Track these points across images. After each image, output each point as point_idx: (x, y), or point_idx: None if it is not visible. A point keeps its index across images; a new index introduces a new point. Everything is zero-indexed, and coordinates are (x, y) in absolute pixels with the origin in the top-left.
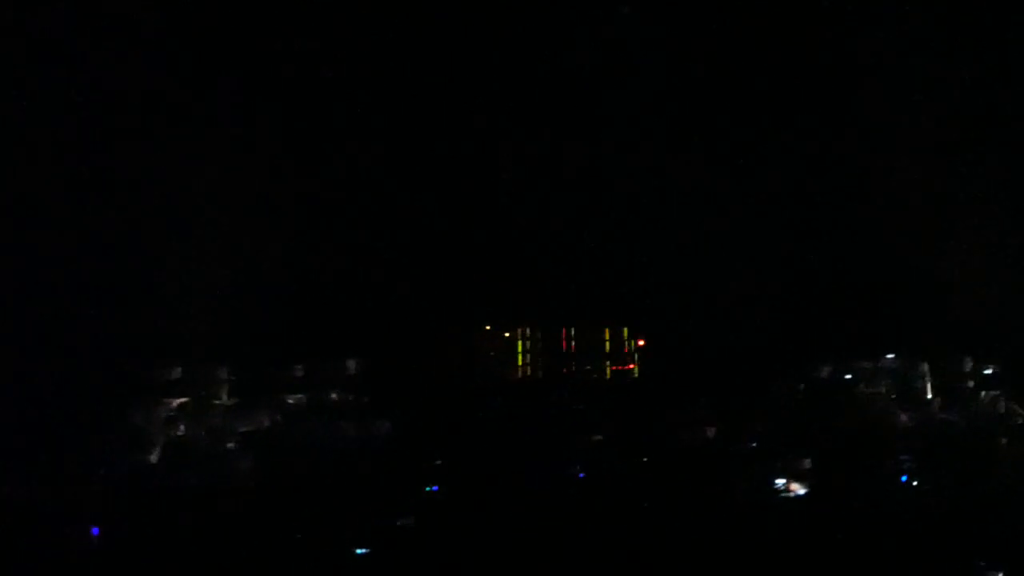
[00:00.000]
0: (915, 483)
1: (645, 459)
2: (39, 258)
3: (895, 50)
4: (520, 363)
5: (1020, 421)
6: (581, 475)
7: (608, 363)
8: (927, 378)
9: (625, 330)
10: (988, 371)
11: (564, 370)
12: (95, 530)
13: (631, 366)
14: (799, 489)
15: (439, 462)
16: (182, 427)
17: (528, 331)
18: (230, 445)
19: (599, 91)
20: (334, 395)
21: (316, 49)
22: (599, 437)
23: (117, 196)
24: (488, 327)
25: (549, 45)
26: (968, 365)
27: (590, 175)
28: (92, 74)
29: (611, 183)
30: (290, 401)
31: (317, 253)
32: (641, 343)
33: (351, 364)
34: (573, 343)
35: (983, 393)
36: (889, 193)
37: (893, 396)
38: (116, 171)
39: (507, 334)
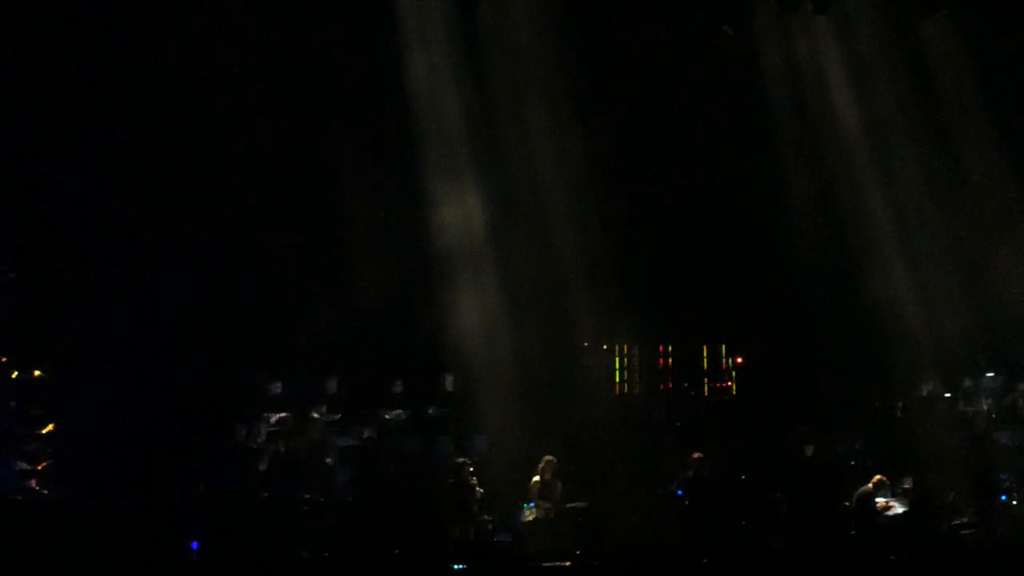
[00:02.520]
0: (1015, 502)
1: (743, 476)
2: (148, 271)
3: None
4: (618, 379)
5: None
6: (679, 492)
7: (706, 380)
8: None
9: (723, 347)
10: None
11: (661, 387)
12: (195, 544)
13: (729, 383)
14: (899, 507)
15: (536, 478)
16: (283, 442)
17: (626, 348)
18: (328, 460)
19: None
20: (431, 410)
21: None
22: (698, 455)
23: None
24: (586, 343)
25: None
26: None
27: (684, 189)
28: None
29: (705, 197)
30: (388, 417)
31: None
32: (739, 360)
33: (448, 380)
34: (671, 360)
35: None
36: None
37: (993, 415)
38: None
39: (604, 347)
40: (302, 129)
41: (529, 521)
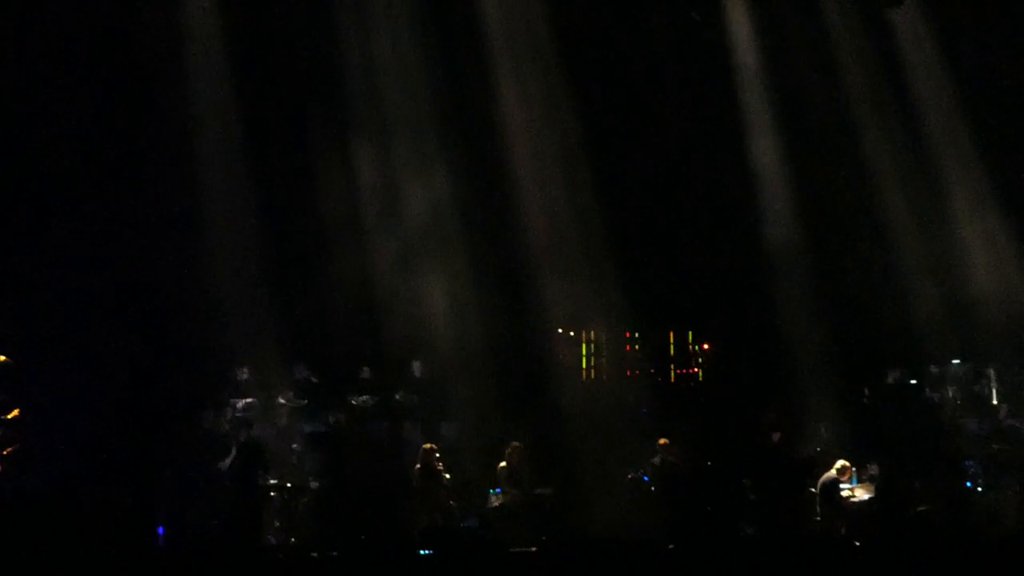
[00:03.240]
0: (979, 489)
1: (710, 463)
2: (115, 256)
3: None
4: (584, 366)
5: None
6: (645, 478)
7: (673, 367)
8: (993, 384)
9: (690, 334)
10: None
11: (628, 373)
12: (161, 529)
13: (696, 370)
14: (864, 494)
15: (503, 464)
16: (242, 429)
17: (592, 334)
18: (295, 446)
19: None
20: (398, 397)
21: None
22: (664, 441)
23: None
24: (560, 330)
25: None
26: None
27: (652, 176)
28: None
29: (672, 185)
30: (355, 402)
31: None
32: (706, 347)
33: (416, 366)
34: (637, 346)
35: None
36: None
37: (959, 402)
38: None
39: (571, 333)
40: (268, 116)
41: (496, 507)
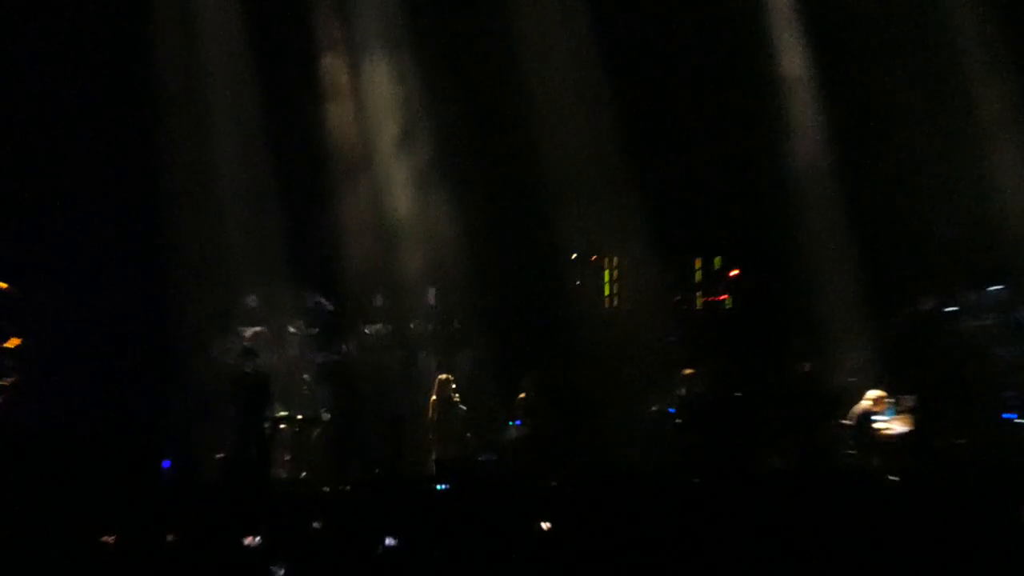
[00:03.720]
0: (1017, 419)
1: (737, 394)
2: (119, 177)
3: None
4: (607, 293)
5: None
6: (671, 410)
7: (699, 294)
8: None
9: (717, 259)
10: None
11: (653, 301)
12: (166, 463)
13: (724, 297)
14: (900, 427)
15: (522, 395)
16: (248, 358)
17: (615, 260)
18: (306, 377)
19: None
20: (412, 326)
21: None
22: (690, 371)
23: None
24: (575, 255)
25: None
26: None
27: (676, 93)
28: None
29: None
30: (368, 331)
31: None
32: (734, 273)
33: (431, 294)
34: (662, 272)
35: None
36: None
37: (996, 329)
38: None
39: (593, 259)
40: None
41: (515, 440)
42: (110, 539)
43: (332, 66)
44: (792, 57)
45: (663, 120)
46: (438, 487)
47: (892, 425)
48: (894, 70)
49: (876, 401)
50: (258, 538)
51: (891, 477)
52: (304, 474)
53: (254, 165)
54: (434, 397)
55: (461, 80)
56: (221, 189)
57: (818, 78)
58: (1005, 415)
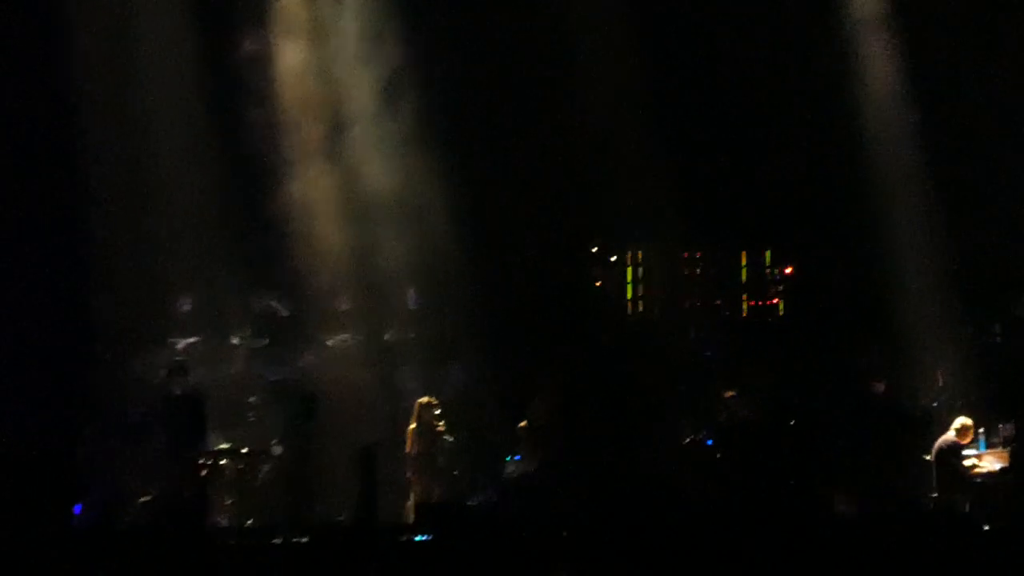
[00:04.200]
0: None
1: (792, 421)
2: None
3: None
4: (630, 296)
5: None
6: (709, 442)
7: (745, 296)
8: None
9: (767, 254)
10: None
11: (687, 305)
12: (77, 507)
13: (775, 300)
14: (993, 463)
15: (523, 423)
16: (177, 378)
17: (640, 255)
18: (253, 399)
19: None
20: (388, 335)
21: None
22: (731, 393)
23: None
24: (594, 249)
25: None
26: None
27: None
28: None
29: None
30: (331, 343)
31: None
32: (788, 271)
33: (411, 295)
34: (699, 270)
35: None
36: None
37: None
38: None
39: (614, 258)
40: None
41: (516, 477)
42: None
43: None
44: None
45: (704, 81)
46: (417, 538)
47: (984, 461)
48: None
49: (963, 431)
50: None
51: (984, 525)
52: (250, 521)
53: (196, 142)
54: (413, 425)
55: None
56: (147, 172)
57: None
58: None
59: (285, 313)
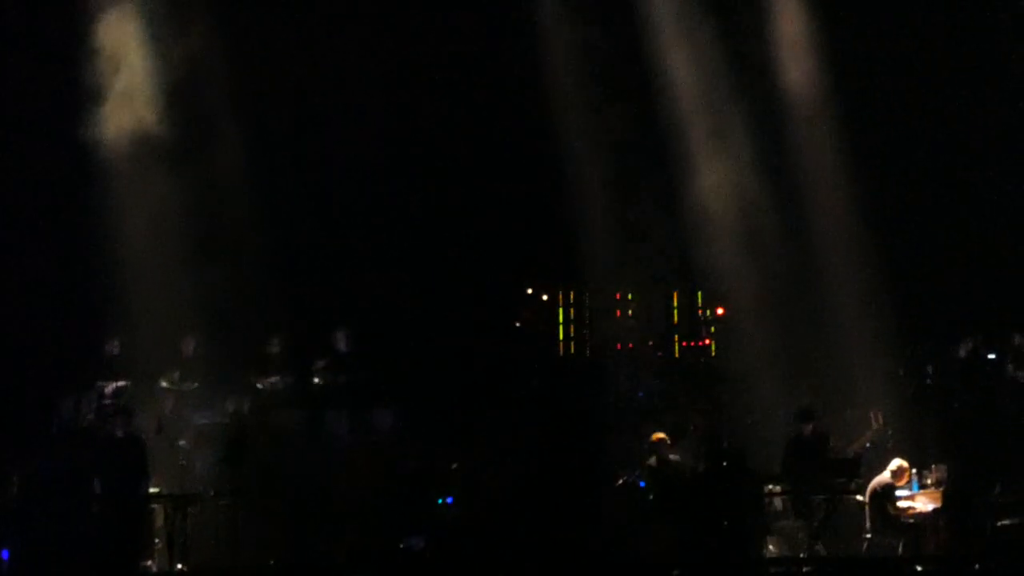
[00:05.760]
0: None
1: (724, 463)
2: None
3: None
4: (562, 336)
5: None
6: (643, 484)
7: (676, 337)
8: None
9: (699, 294)
10: None
11: (619, 346)
12: (5, 554)
13: (706, 341)
14: (926, 503)
15: (455, 466)
16: (120, 419)
17: (572, 295)
18: (182, 443)
19: None
20: (318, 378)
21: None
22: (660, 435)
23: None
24: (527, 290)
25: None
26: None
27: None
28: None
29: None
30: (260, 386)
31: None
32: (720, 312)
33: (342, 336)
34: (630, 311)
35: None
36: None
37: None
38: None
39: (545, 297)
40: None
41: (449, 520)
42: None
43: None
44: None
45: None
46: None
47: (917, 502)
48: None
49: (899, 472)
50: None
51: (917, 567)
52: (180, 567)
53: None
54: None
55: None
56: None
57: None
58: None
59: (213, 356)
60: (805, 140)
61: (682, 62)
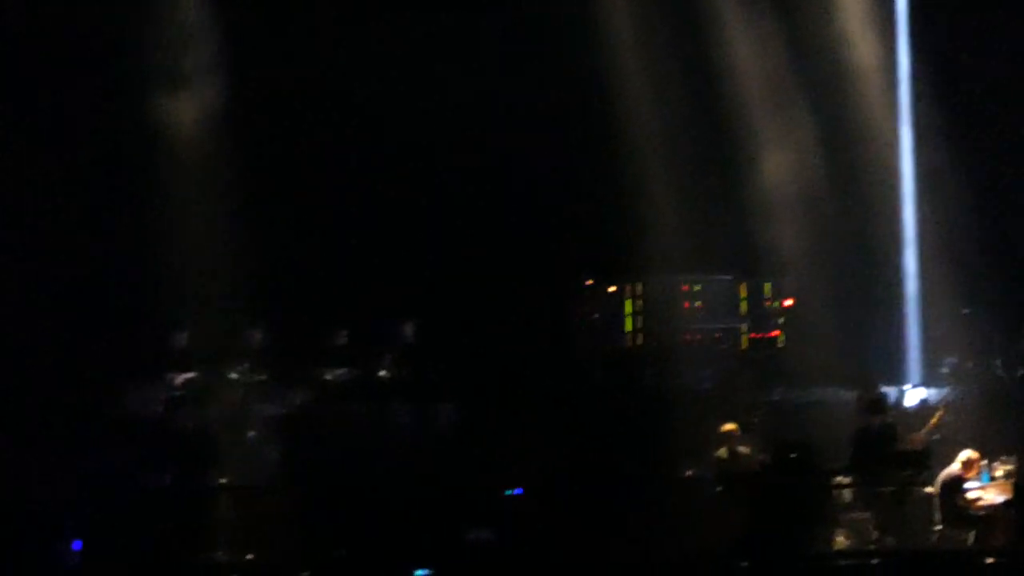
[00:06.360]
0: None
1: (793, 455)
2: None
3: None
4: (629, 328)
5: None
6: (708, 476)
7: (745, 328)
8: None
9: (767, 285)
10: None
11: (687, 337)
12: (77, 544)
13: (775, 333)
14: (997, 496)
15: (522, 458)
16: (188, 411)
17: (640, 287)
18: (251, 434)
19: None
20: (384, 371)
21: None
22: (731, 426)
23: None
24: (589, 281)
25: None
26: None
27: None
28: None
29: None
30: (328, 377)
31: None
32: (788, 303)
33: (408, 329)
34: (699, 302)
35: None
36: None
37: None
38: None
39: (612, 289)
40: None
41: (518, 512)
42: None
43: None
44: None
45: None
46: (418, 573)
47: (988, 494)
48: None
49: (968, 464)
50: None
51: (987, 559)
52: (249, 556)
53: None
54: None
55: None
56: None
57: None
58: None
59: (278, 348)
60: (874, 124)
61: (746, 44)
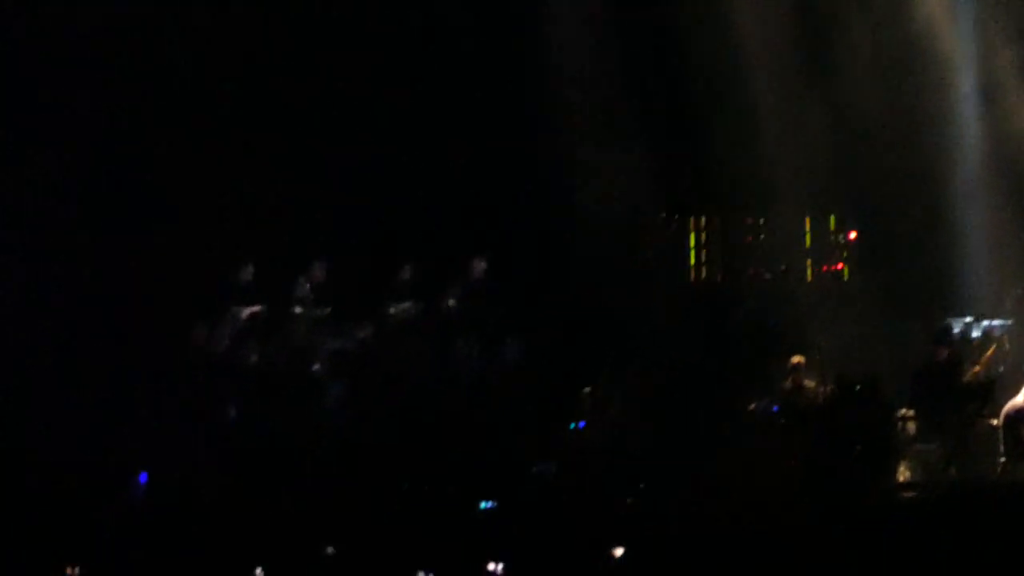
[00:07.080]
0: None
1: (857, 387)
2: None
3: None
4: (692, 262)
5: None
6: (775, 408)
7: (809, 262)
8: None
9: (832, 218)
10: None
11: (751, 271)
12: (143, 476)
13: (839, 266)
14: None
15: (587, 390)
16: (253, 345)
17: (704, 220)
18: (316, 367)
19: None
20: (451, 303)
21: None
22: (798, 358)
23: None
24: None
25: None
26: None
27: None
28: None
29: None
30: (394, 311)
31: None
32: (852, 236)
33: (475, 263)
34: (762, 236)
35: None
36: None
37: None
38: None
39: (675, 218)
40: None
41: (578, 446)
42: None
43: None
44: None
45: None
46: (483, 505)
47: None
48: None
49: None
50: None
51: None
52: (314, 489)
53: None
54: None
55: None
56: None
57: None
58: None
59: (339, 281)
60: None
61: None
